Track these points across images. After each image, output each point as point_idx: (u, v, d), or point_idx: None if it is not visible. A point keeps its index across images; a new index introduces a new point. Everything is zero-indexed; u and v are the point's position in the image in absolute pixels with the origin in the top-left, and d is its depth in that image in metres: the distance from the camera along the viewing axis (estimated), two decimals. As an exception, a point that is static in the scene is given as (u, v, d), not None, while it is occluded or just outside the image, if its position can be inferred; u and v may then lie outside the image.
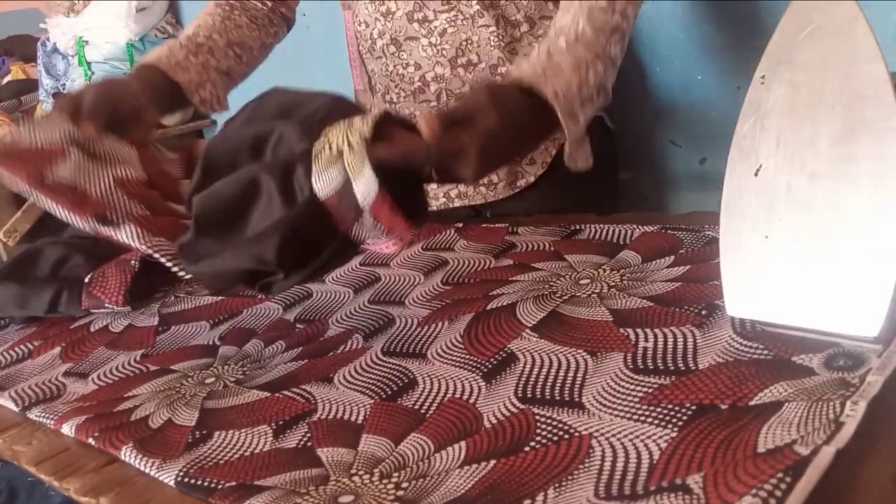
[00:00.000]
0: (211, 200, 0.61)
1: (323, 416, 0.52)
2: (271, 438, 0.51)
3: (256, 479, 0.46)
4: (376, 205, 0.55)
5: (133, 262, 0.85)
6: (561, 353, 0.53)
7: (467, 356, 0.56)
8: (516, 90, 0.64)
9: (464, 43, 0.88)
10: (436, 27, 0.87)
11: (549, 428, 0.45)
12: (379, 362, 0.58)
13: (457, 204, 0.99)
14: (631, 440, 0.42)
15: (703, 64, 1.09)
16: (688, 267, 0.62)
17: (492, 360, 0.54)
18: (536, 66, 0.65)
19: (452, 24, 0.87)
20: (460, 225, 0.88)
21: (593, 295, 0.61)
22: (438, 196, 1.00)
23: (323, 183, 0.55)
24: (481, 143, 0.59)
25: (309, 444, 0.49)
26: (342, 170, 0.55)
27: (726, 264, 0.51)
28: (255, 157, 0.61)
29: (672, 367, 0.48)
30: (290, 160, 0.58)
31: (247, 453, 0.49)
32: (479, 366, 0.54)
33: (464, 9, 0.86)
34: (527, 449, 0.43)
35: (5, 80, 2.49)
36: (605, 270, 0.66)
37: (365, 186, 0.54)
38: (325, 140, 0.57)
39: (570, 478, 0.40)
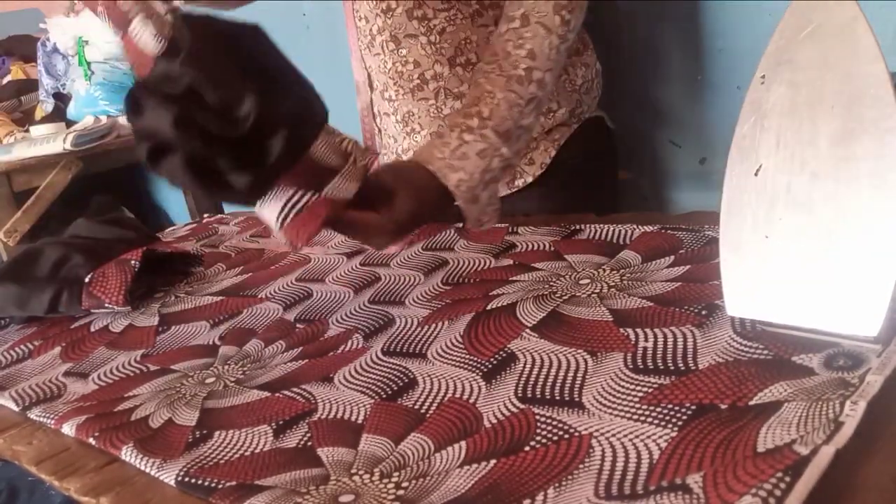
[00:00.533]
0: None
1: (323, 416, 0.52)
2: (271, 438, 0.51)
3: (257, 479, 0.46)
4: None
5: (133, 262, 0.85)
6: (561, 353, 0.53)
7: (467, 356, 0.56)
8: (425, 172, 0.69)
9: (463, 42, 0.88)
10: (435, 25, 0.87)
11: (549, 428, 0.45)
12: (379, 362, 0.59)
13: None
14: (631, 440, 0.42)
15: (703, 64, 1.09)
16: (688, 267, 0.63)
17: (492, 359, 0.55)
18: (446, 153, 0.70)
19: (451, 22, 0.87)
20: (460, 225, 0.88)
21: (593, 295, 0.61)
22: None
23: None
24: (395, 221, 0.66)
25: (309, 443, 0.49)
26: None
27: (726, 264, 0.51)
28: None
29: (672, 367, 0.48)
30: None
31: (247, 453, 0.49)
32: (479, 366, 0.54)
33: (463, 8, 0.86)
34: (527, 449, 0.43)
35: (5, 80, 2.49)
36: (605, 270, 0.66)
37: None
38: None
39: (570, 477, 0.40)
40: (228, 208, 2.29)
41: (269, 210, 0.60)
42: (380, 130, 1.03)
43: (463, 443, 0.45)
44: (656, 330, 0.53)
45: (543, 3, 0.72)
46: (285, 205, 0.59)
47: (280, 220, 0.60)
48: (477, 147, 0.70)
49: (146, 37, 0.57)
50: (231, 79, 0.54)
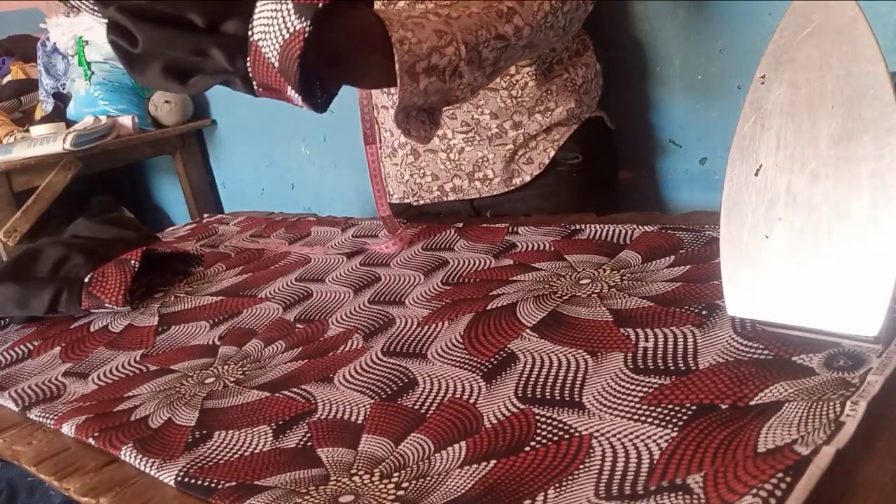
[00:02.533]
0: None
1: (323, 416, 0.52)
2: (271, 438, 0.51)
3: (256, 479, 0.46)
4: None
5: (133, 262, 0.85)
6: (561, 353, 0.53)
7: (467, 356, 0.56)
8: (374, 18, 0.62)
9: None
10: None
11: (550, 428, 0.45)
12: (379, 362, 0.58)
13: (451, 198, 1.00)
14: (631, 440, 0.42)
15: (703, 64, 1.09)
16: (688, 267, 0.63)
17: (492, 360, 0.54)
18: (403, 16, 0.63)
19: None
20: (460, 225, 0.89)
21: (593, 295, 0.61)
22: (433, 189, 1.00)
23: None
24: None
25: (309, 443, 0.49)
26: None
27: (726, 264, 0.51)
28: None
29: (672, 367, 0.48)
30: None
31: (247, 453, 0.49)
32: (479, 366, 0.54)
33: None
34: (527, 449, 0.43)
35: (5, 80, 2.48)
36: (605, 270, 0.66)
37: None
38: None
39: (570, 478, 0.40)
40: (228, 208, 2.30)
41: None
42: (378, 123, 1.02)
43: (463, 443, 0.45)
44: (656, 330, 0.53)
45: None
46: None
47: None
48: (436, 26, 0.65)
49: None
50: None
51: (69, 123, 2.05)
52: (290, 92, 0.58)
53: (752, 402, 0.42)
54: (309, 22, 0.55)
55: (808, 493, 0.33)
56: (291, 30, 0.56)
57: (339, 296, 0.75)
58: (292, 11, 0.55)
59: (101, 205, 2.45)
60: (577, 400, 0.47)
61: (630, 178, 1.22)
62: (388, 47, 0.61)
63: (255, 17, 0.57)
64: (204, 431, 0.53)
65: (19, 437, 0.60)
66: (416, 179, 1.00)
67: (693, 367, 0.47)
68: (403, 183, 1.02)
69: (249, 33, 0.57)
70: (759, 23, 1.00)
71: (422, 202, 1.02)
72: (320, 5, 0.55)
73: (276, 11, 0.56)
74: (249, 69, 0.58)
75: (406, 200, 1.04)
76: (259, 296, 0.80)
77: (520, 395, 0.49)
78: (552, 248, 0.74)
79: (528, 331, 0.57)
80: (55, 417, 0.60)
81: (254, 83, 0.59)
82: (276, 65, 0.57)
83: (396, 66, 0.61)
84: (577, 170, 0.97)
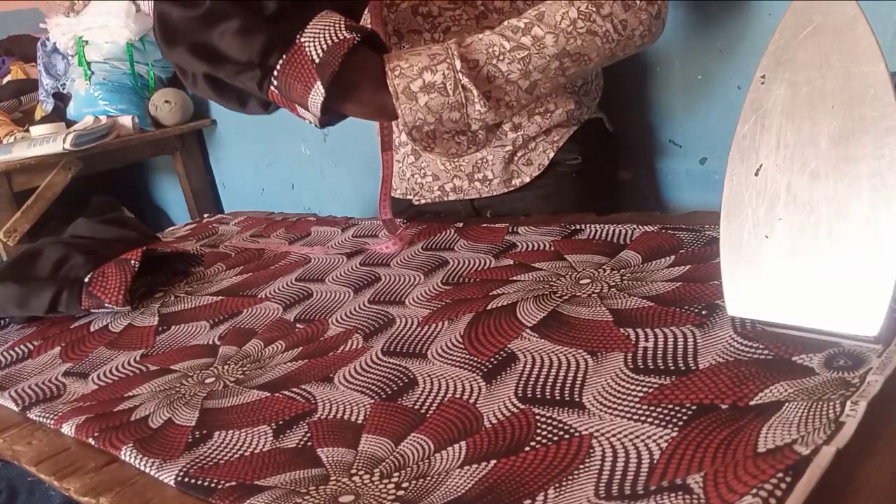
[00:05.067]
0: None
1: (323, 416, 0.52)
2: (271, 438, 0.51)
3: (256, 479, 0.46)
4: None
5: (133, 262, 0.85)
6: (561, 352, 0.53)
7: (467, 356, 0.56)
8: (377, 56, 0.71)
9: None
10: (440, 23, 0.87)
11: (550, 428, 0.45)
12: (379, 362, 0.58)
13: (451, 198, 1.00)
14: (631, 440, 0.42)
15: (703, 64, 1.09)
16: (688, 267, 0.63)
17: (492, 359, 0.54)
18: (405, 52, 0.72)
19: (457, 22, 0.86)
20: (460, 225, 0.89)
21: (593, 295, 0.61)
22: (433, 189, 1.00)
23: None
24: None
25: (309, 443, 0.49)
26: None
27: (726, 264, 0.51)
28: None
29: (672, 367, 0.48)
30: None
31: (247, 453, 0.49)
32: (479, 366, 0.54)
33: (469, 9, 0.86)
34: (527, 449, 0.43)
35: (5, 80, 2.48)
36: (605, 270, 0.66)
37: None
38: None
39: (570, 478, 0.40)
40: (228, 208, 2.29)
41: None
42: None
43: (463, 443, 0.45)
44: (656, 330, 0.53)
45: None
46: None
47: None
48: (433, 51, 0.70)
49: None
50: None
51: (69, 123, 2.05)
52: (312, 96, 0.68)
53: (752, 402, 0.42)
54: (359, 36, 0.67)
55: (808, 493, 0.33)
56: (341, 37, 0.67)
57: (339, 296, 0.75)
58: (343, 26, 0.67)
59: (101, 205, 2.45)
60: (577, 400, 0.47)
61: (630, 178, 1.22)
62: (385, 81, 0.70)
63: (309, 27, 0.68)
64: (204, 431, 0.53)
65: (19, 437, 0.60)
66: (417, 179, 1.01)
67: (693, 367, 0.47)
68: (405, 180, 1.02)
69: (298, 36, 0.68)
70: (759, 23, 1.00)
71: (423, 201, 1.02)
72: (369, 27, 0.64)
73: (329, 25, 0.68)
74: (279, 66, 0.68)
75: (408, 197, 1.04)
76: (259, 296, 0.80)
77: (520, 395, 0.49)
78: (552, 248, 0.74)
79: (528, 331, 0.57)
80: (55, 417, 0.60)
81: (272, 84, 0.69)
82: (317, 60, 0.67)
83: (391, 90, 0.69)
84: (577, 171, 0.97)
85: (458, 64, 0.69)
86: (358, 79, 0.70)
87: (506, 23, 0.74)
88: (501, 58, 0.71)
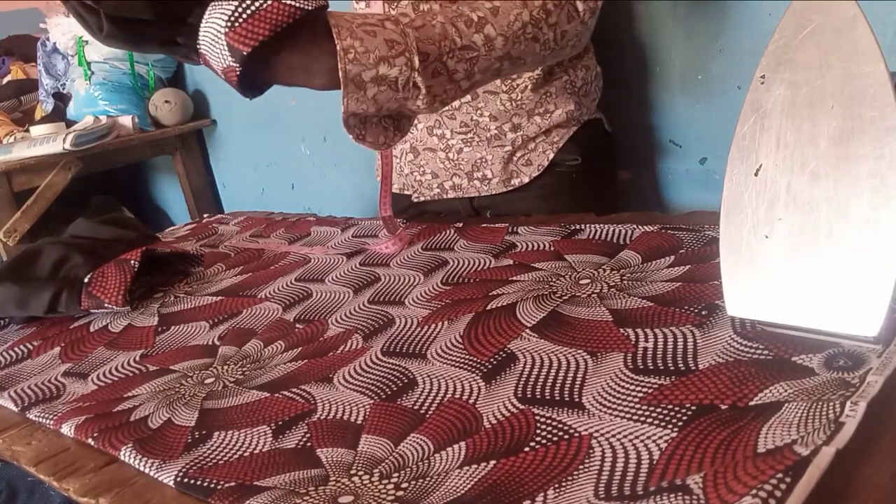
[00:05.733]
0: None
1: (322, 417, 0.52)
2: (271, 438, 0.51)
3: (256, 480, 0.46)
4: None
5: (133, 262, 0.85)
6: (561, 353, 0.53)
7: (467, 356, 0.56)
8: (324, 24, 0.61)
9: None
10: None
11: (549, 428, 0.45)
12: (379, 362, 0.58)
13: (451, 196, 1.00)
14: (631, 440, 0.42)
15: (703, 64, 1.09)
16: (688, 267, 0.62)
17: (491, 360, 0.54)
18: (357, 21, 0.62)
19: None
20: (460, 225, 0.89)
21: (593, 295, 0.61)
22: (433, 187, 1.00)
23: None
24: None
25: (308, 444, 0.49)
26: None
27: (726, 264, 0.51)
28: None
29: (672, 368, 0.48)
30: None
31: (246, 453, 0.49)
32: (478, 366, 0.54)
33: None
34: (526, 449, 0.43)
35: (5, 80, 2.49)
36: (605, 270, 0.66)
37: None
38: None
39: (569, 478, 0.40)
40: (228, 208, 2.29)
41: (217, 17, 0.58)
42: None
43: (462, 443, 0.45)
44: (656, 330, 0.53)
45: None
46: (235, 10, 0.57)
47: (229, 23, 0.57)
48: (390, 35, 0.62)
49: None
50: None
51: (69, 123, 2.05)
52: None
53: (751, 403, 0.42)
54: (239, 65, 0.59)
55: (808, 494, 0.33)
56: (226, 64, 0.60)
57: (338, 296, 0.75)
58: (226, 50, 0.59)
59: (101, 205, 2.45)
60: (576, 400, 0.47)
61: (630, 178, 1.22)
62: (335, 55, 0.61)
63: (200, 36, 0.60)
64: (203, 432, 0.53)
65: (19, 437, 0.60)
66: (416, 176, 1.01)
67: (693, 368, 0.47)
68: (403, 176, 1.02)
69: (197, 44, 0.61)
70: (759, 23, 1.00)
71: (422, 199, 1.02)
72: (245, 53, 0.58)
73: (214, 43, 0.59)
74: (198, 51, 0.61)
75: (405, 192, 1.04)
76: (259, 296, 0.80)
77: (519, 395, 0.49)
78: (552, 248, 0.74)
79: (527, 331, 0.57)
80: (55, 417, 0.60)
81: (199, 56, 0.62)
82: (220, 74, 0.61)
83: (340, 74, 0.61)
84: (577, 171, 0.97)
85: (416, 61, 0.63)
86: (294, 62, 0.62)
87: (462, 8, 0.68)
88: (451, 55, 0.66)
